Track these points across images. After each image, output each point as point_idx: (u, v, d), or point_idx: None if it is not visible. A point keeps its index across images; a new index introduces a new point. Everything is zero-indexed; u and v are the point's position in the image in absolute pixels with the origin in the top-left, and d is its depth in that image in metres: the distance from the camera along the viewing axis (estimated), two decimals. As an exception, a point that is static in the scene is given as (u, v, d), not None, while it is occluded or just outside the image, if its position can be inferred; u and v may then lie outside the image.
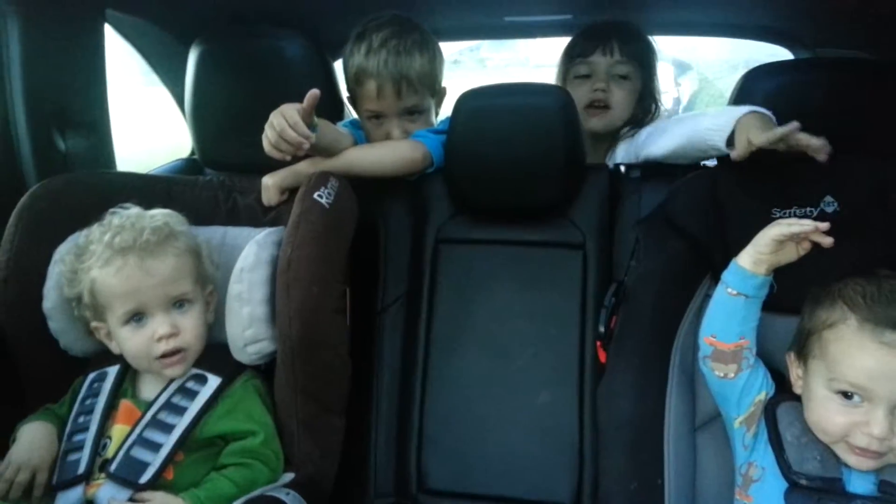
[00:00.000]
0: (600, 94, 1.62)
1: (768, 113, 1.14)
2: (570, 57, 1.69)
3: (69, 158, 1.45)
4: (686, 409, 1.09)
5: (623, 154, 1.54)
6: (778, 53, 1.99)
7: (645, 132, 1.46)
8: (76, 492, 1.04)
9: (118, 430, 1.08)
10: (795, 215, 1.10)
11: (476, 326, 1.37)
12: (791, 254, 0.98)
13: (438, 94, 1.55)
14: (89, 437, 1.08)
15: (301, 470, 1.14)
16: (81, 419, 1.11)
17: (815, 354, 0.95)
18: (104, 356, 1.17)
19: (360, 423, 1.28)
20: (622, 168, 1.41)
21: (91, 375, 1.16)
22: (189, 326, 1.11)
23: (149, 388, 1.13)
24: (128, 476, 1.03)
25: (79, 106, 1.49)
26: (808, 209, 1.10)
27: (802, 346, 0.98)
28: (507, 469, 1.29)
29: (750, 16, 1.85)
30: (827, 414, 0.92)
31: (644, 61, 1.66)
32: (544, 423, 1.30)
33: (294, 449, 1.15)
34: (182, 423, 1.07)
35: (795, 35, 1.89)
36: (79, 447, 1.08)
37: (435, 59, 1.45)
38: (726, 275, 1.01)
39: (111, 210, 1.14)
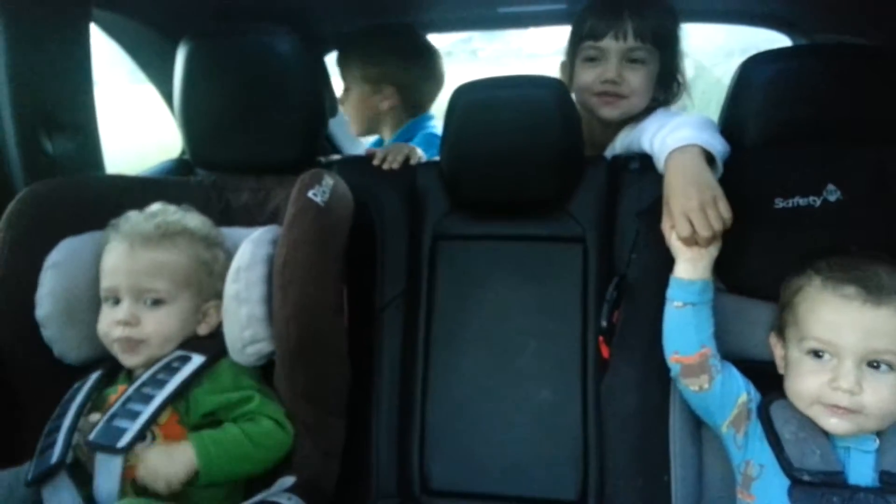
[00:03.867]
0: (610, 86, 1.44)
1: (708, 143, 1.11)
2: (578, 36, 1.48)
3: (57, 161, 1.43)
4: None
5: (620, 144, 1.50)
6: (774, 39, 1.98)
7: (646, 123, 1.38)
8: (61, 481, 1.02)
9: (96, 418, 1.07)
10: (798, 204, 1.10)
11: (476, 323, 1.36)
12: (719, 243, 1.04)
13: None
14: (63, 428, 1.06)
15: (302, 473, 1.12)
16: (58, 419, 1.08)
17: (789, 322, 0.98)
18: (97, 365, 1.15)
19: (360, 423, 1.26)
20: (621, 160, 1.39)
21: (76, 384, 1.14)
22: (151, 322, 1.11)
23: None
24: (105, 441, 1.02)
25: (66, 107, 1.46)
26: (811, 198, 1.10)
27: (779, 321, 1.01)
28: (511, 467, 1.28)
29: (747, 2, 1.83)
30: (800, 377, 0.94)
31: (663, 41, 1.46)
32: (547, 419, 1.29)
33: (295, 452, 1.13)
34: (162, 394, 1.07)
35: (793, 21, 1.87)
36: (53, 442, 1.05)
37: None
38: (669, 291, 1.05)
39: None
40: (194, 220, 1.19)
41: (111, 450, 1.02)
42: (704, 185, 1.04)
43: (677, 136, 1.12)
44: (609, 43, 1.42)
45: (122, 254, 1.12)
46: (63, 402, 1.11)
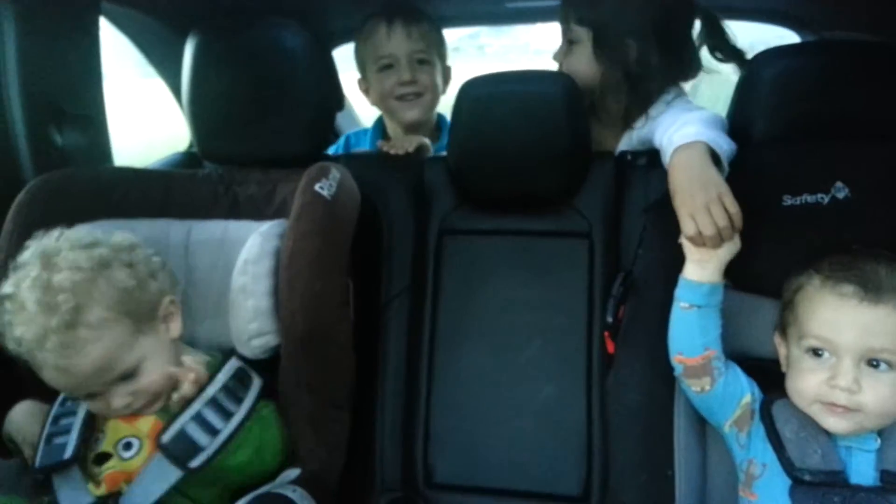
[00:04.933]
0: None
1: (715, 141, 1.09)
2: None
3: (66, 153, 1.44)
4: (695, 400, 1.07)
5: (636, 137, 1.43)
6: (782, 36, 1.97)
7: (663, 116, 1.33)
8: (74, 476, 1.01)
9: (115, 427, 1.05)
10: (806, 202, 1.09)
11: (481, 318, 1.36)
12: (732, 246, 1.02)
13: (443, 60, 1.68)
14: (77, 421, 1.05)
15: (307, 465, 1.12)
16: (69, 403, 1.07)
17: (790, 321, 0.98)
18: None
19: (365, 417, 1.27)
20: (628, 156, 1.39)
21: None
22: (144, 387, 1.01)
23: None
24: (180, 455, 0.97)
25: (75, 100, 1.47)
26: (819, 195, 1.09)
27: (782, 320, 1.01)
28: (514, 462, 1.28)
29: (755, -2, 1.83)
30: (800, 375, 0.94)
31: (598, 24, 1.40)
32: (552, 414, 1.29)
33: (299, 444, 1.13)
34: (239, 413, 1.02)
35: (802, 17, 1.87)
36: (65, 431, 1.04)
37: (436, 27, 1.67)
38: (677, 291, 1.04)
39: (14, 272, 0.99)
40: (68, 269, 0.96)
41: (182, 466, 0.97)
42: (709, 183, 1.02)
43: (683, 133, 1.11)
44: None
45: (56, 374, 0.95)
46: None
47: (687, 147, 1.08)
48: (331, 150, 1.81)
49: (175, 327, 1.07)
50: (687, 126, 1.12)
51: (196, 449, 0.98)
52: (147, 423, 1.04)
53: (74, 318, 0.93)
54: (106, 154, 1.57)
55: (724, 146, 1.10)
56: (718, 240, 1.00)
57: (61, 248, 0.99)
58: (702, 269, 1.02)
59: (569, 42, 1.44)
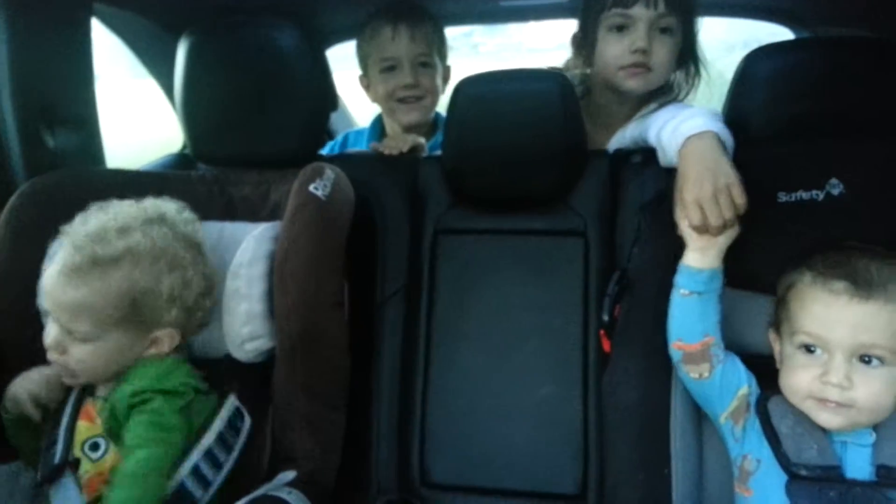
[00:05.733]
0: (640, 57, 1.37)
1: (722, 133, 1.10)
2: (601, 5, 1.39)
3: (58, 155, 1.43)
4: (692, 398, 1.07)
5: (629, 134, 1.42)
6: (776, 32, 1.97)
7: (657, 115, 1.32)
8: (66, 483, 1.01)
9: (80, 428, 1.05)
10: (801, 198, 1.10)
11: (477, 317, 1.35)
12: (732, 232, 1.02)
13: (444, 61, 1.70)
14: (62, 429, 1.05)
15: (302, 467, 1.12)
16: (58, 415, 1.08)
17: (783, 318, 0.98)
18: None
19: (361, 418, 1.26)
20: (623, 153, 1.39)
21: None
22: (77, 355, 1.02)
23: (102, 385, 1.08)
24: None
25: (67, 101, 1.46)
26: (814, 192, 1.10)
27: (776, 317, 1.01)
28: (511, 462, 1.27)
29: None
30: (793, 371, 0.95)
31: (689, 10, 1.40)
32: (548, 414, 1.28)
33: (295, 446, 1.13)
34: (228, 464, 1.05)
35: (795, 14, 1.87)
36: (55, 440, 1.05)
37: (439, 28, 1.68)
38: (676, 278, 1.04)
39: (99, 205, 1.08)
40: (142, 237, 1.03)
41: None
42: (720, 173, 1.03)
43: (692, 124, 1.11)
44: (639, 11, 1.35)
45: (52, 281, 1.01)
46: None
47: (699, 137, 1.09)
48: (328, 148, 1.82)
49: (153, 351, 1.06)
50: (694, 118, 1.12)
51: (190, 498, 0.99)
52: (100, 419, 1.04)
53: (105, 264, 1.00)
54: (98, 156, 1.56)
55: (729, 140, 1.11)
56: (722, 229, 1.01)
57: (172, 222, 1.08)
58: (703, 255, 1.02)
59: (660, 30, 1.38)
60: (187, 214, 1.13)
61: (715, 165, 1.04)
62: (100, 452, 1.03)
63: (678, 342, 1.03)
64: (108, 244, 1.00)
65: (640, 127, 1.33)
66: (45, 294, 1.02)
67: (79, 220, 1.05)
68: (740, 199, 1.01)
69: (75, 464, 1.02)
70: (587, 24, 1.45)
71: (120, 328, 1.02)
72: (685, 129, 1.11)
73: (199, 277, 1.08)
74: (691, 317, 1.02)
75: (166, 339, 1.06)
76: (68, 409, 1.07)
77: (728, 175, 1.02)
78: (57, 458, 1.02)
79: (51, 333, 1.03)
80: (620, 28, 1.39)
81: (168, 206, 1.11)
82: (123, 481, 0.94)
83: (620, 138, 1.43)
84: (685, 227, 1.04)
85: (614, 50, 1.40)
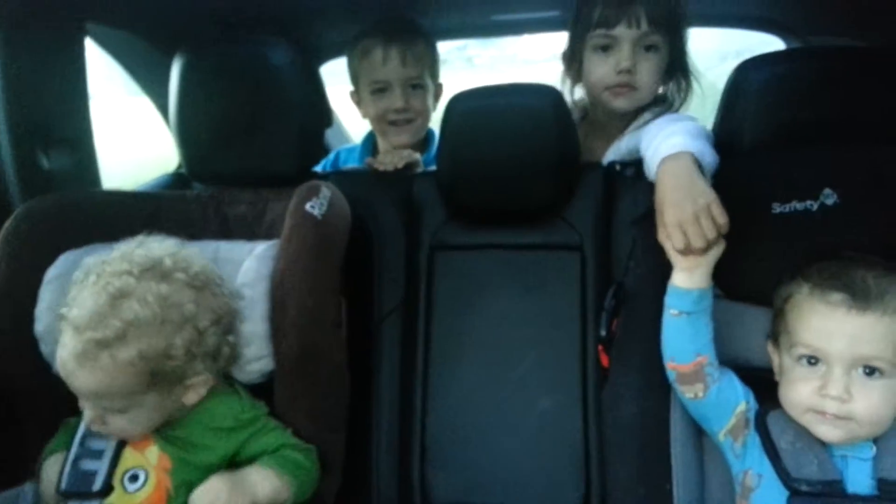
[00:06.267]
0: (625, 77, 1.39)
1: (699, 151, 1.08)
2: (586, 24, 1.40)
3: (53, 177, 1.43)
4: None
5: (625, 146, 1.44)
6: (769, 42, 1.98)
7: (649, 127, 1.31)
8: None
9: (126, 455, 1.03)
10: (796, 209, 1.10)
11: (475, 333, 1.35)
12: (717, 250, 1.01)
13: (435, 79, 1.68)
14: (109, 449, 1.03)
15: (302, 487, 1.12)
16: (92, 436, 1.06)
17: (781, 330, 0.98)
18: None
19: (361, 437, 1.26)
20: (617, 166, 1.39)
21: None
22: (118, 426, 1.00)
23: None
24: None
25: (62, 122, 1.46)
26: (809, 202, 1.09)
27: (774, 329, 1.01)
28: (512, 478, 1.27)
29: (740, 5, 1.84)
30: (792, 384, 0.94)
31: (674, 27, 1.40)
32: (548, 429, 1.28)
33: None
34: None
35: (786, 24, 1.88)
36: (96, 455, 1.04)
37: (432, 46, 1.67)
38: (666, 298, 1.03)
39: (99, 265, 1.01)
40: (147, 303, 0.97)
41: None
42: (698, 194, 1.01)
43: (669, 144, 1.10)
44: (622, 31, 1.37)
45: (67, 368, 0.96)
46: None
47: (674, 158, 1.07)
48: (320, 166, 1.81)
49: (193, 397, 1.04)
50: (672, 137, 1.11)
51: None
52: (154, 454, 1.03)
53: (110, 343, 0.94)
54: (94, 176, 1.56)
55: (708, 158, 1.09)
56: (706, 249, 1.00)
57: (172, 276, 1.01)
58: (690, 276, 1.01)
59: (645, 48, 1.39)
60: (185, 252, 1.06)
61: (691, 186, 1.02)
62: (137, 485, 1.02)
63: (671, 362, 1.03)
64: (106, 325, 0.94)
65: (634, 138, 1.34)
66: (64, 378, 0.98)
67: (73, 292, 1.00)
68: (721, 217, 0.99)
69: (107, 490, 1.01)
70: (574, 43, 1.47)
71: (150, 392, 0.99)
72: (663, 149, 1.10)
73: (212, 319, 1.03)
74: (682, 337, 1.01)
75: (201, 385, 1.03)
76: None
77: (706, 194, 1.00)
78: (97, 485, 1.01)
79: (87, 412, 1.01)
80: (605, 48, 1.40)
81: (161, 250, 1.04)
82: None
83: (616, 150, 1.43)
84: (670, 249, 1.03)
85: (600, 70, 1.42)
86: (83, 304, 0.96)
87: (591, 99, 1.49)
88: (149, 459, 1.03)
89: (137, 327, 0.95)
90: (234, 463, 1.06)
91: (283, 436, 1.09)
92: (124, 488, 1.02)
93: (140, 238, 1.06)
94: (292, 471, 1.05)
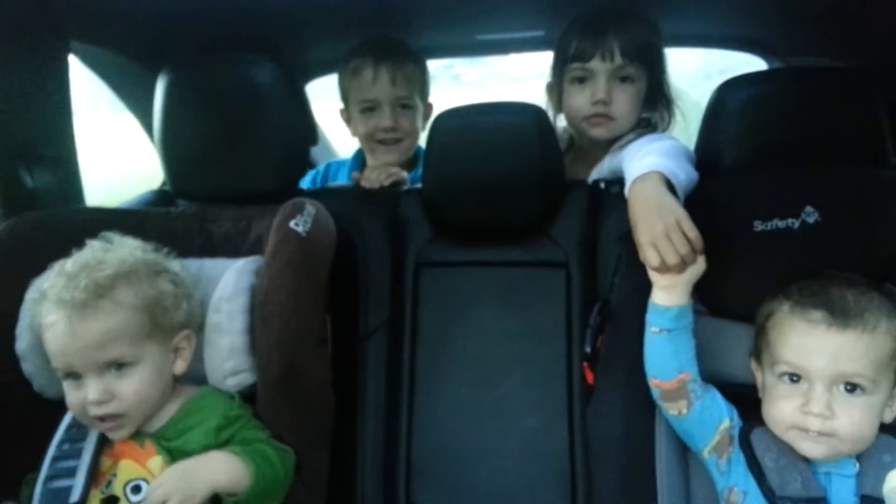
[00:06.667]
0: (601, 108, 1.43)
1: (669, 170, 1.10)
2: (564, 57, 1.46)
3: (36, 195, 1.41)
4: (676, 430, 1.07)
5: (607, 166, 1.44)
6: (751, 61, 2.01)
7: (630, 147, 1.35)
8: None
9: (126, 468, 1.02)
10: (777, 227, 1.11)
11: (461, 351, 1.35)
12: (696, 268, 1.01)
13: (425, 100, 1.71)
14: (83, 464, 1.02)
15: (287, 506, 1.10)
16: (67, 446, 1.05)
17: (763, 348, 0.99)
18: None
19: (345, 454, 1.25)
20: (601, 184, 1.40)
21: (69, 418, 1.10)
22: (127, 391, 1.01)
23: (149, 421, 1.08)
24: None
25: (45, 140, 1.45)
26: (790, 220, 1.10)
27: (756, 346, 1.02)
28: (498, 495, 1.27)
29: (721, 26, 1.86)
30: (775, 402, 0.95)
31: (649, 58, 1.44)
32: (534, 447, 1.28)
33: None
34: None
35: (767, 44, 1.90)
36: (67, 473, 1.02)
37: (422, 66, 1.70)
38: (647, 316, 1.04)
39: (87, 243, 1.08)
40: (121, 255, 1.05)
41: None
42: (666, 211, 1.02)
43: (641, 164, 1.12)
44: (597, 64, 1.41)
45: (64, 331, 0.98)
46: (66, 426, 1.08)
47: (642, 178, 1.10)
48: (310, 176, 1.83)
49: (181, 365, 1.08)
50: (645, 157, 1.13)
51: None
52: (156, 465, 1.02)
53: (105, 287, 0.99)
54: (77, 194, 1.55)
55: (682, 176, 1.11)
56: (682, 265, 1.00)
57: (126, 243, 1.09)
58: (669, 293, 1.02)
59: (620, 79, 1.43)
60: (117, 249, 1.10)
61: (660, 204, 1.04)
62: (141, 496, 1.00)
63: (654, 380, 1.03)
64: (97, 272, 1.00)
65: (616, 158, 1.35)
66: (60, 351, 1.00)
67: (53, 270, 1.04)
68: (691, 232, 1.00)
69: (112, 501, 1.01)
70: (555, 75, 1.52)
71: (151, 341, 1.04)
72: (634, 170, 1.12)
73: (174, 276, 1.10)
74: (664, 355, 1.02)
75: (186, 344, 1.09)
76: (90, 445, 1.04)
77: (675, 212, 1.02)
78: (76, 497, 0.99)
79: (91, 387, 1.00)
80: (582, 80, 1.45)
81: (91, 249, 1.08)
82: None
83: (599, 170, 1.45)
84: (649, 268, 1.04)
85: (577, 101, 1.46)
86: (61, 275, 1.01)
87: (572, 128, 1.54)
88: (151, 470, 1.02)
89: (125, 274, 1.03)
90: None
91: (262, 434, 1.08)
92: (128, 499, 1.01)
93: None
94: (257, 461, 1.02)
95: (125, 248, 1.08)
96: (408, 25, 1.75)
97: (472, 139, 1.33)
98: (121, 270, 1.03)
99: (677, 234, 1.00)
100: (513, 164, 1.31)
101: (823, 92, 1.22)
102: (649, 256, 1.01)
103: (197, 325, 1.12)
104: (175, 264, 1.14)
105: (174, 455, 1.03)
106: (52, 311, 1.00)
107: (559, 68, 1.49)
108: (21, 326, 1.12)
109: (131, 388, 1.02)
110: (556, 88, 1.52)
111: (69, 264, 1.03)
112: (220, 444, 1.05)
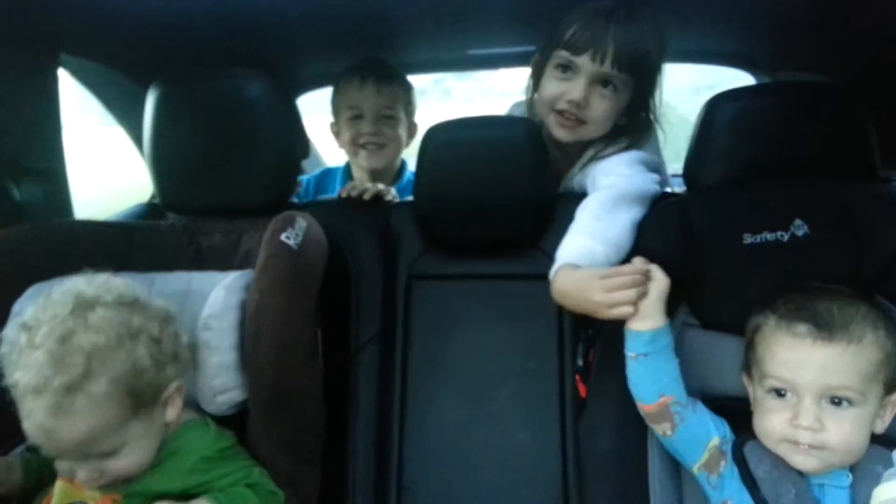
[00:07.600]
0: (574, 108, 1.33)
1: (577, 254, 1.13)
2: (557, 39, 1.34)
3: (24, 208, 1.40)
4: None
5: (577, 182, 1.42)
6: (740, 76, 2.03)
7: (598, 166, 1.34)
8: None
9: (63, 490, 1.00)
10: (766, 240, 1.11)
11: (453, 364, 1.35)
12: (658, 285, 1.01)
13: (410, 117, 1.80)
14: None
15: (277, 523, 1.09)
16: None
17: (752, 362, 0.99)
18: None
19: (336, 469, 1.24)
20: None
21: None
22: (118, 468, 0.95)
23: None
24: None
25: (33, 153, 1.44)
26: (779, 233, 1.11)
27: (746, 360, 1.02)
28: (491, 509, 1.26)
29: (709, 42, 1.88)
30: (766, 415, 0.95)
31: (641, 71, 1.33)
32: (526, 460, 1.27)
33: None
34: None
35: (755, 60, 1.92)
36: None
37: (408, 88, 1.81)
38: (625, 341, 1.03)
39: (20, 328, 0.92)
40: (94, 322, 0.92)
41: None
42: (589, 289, 1.03)
43: (560, 252, 1.16)
44: (584, 61, 1.30)
45: (40, 428, 0.88)
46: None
47: (553, 281, 1.13)
48: (305, 181, 1.90)
49: (173, 412, 1.01)
50: (568, 237, 1.17)
51: None
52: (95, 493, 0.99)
53: (79, 383, 0.88)
54: (66, 207, 1.53)
55: (599, 248, 1.12)
56: (642, 296, 1.00)
57: (99, 300, 0.95)
58: (643, 319, 1.01)
59: (602, 84, 1.32)
60: (100, 278, 1.00)
61: (578, 290, 1.06)
62: None
63: (638, 402, 1.02)
64: (67, 367, 0.88)
65: (584, 177, 1.38)
66: (43, 444, 0.91)
67: (6, 366, 0.91)
68: (621, 276, 1.01)
69: None
70: (543, 54, 1.41)
71: (135, 420, 0.95)
72: (558, 255, 1.16)
73: (160, 325, 0.99)
74: (643, 379, 1.01)
75: (176, 394, 1.01)
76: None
77: (591, 281, 1.03)
78: None
79: (80, 471, 0.94)
80: (565, 69, 1.34)
81: (74, 285, 0.98)
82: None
83: (566, 185, 1.45)
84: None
85: (553, 90, 1.36)
86: (30, 366, 0.88)
87: (540, 113, 1.43)
88: (93, 496, 0.98)
89: (99, 357, 0.90)
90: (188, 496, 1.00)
91: (245, 474, 1.03)
92: None
93: (44, 294, 0.97)
94: None
95: (100, 314, 0.93)
96: (398, 39, 1.77)
97: (463, 153, 1.33)
98: (94, 351, 0.90)
99: (619, 293, 1.00)
100: (504, 178, 1.31)
101: (811, 106, 1.23)
102: (620, 314, 1.01)
103: (186, 365, 1.04)
104: (158, 301, 1.03)
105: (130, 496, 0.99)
106: (26, 396, 0.88)
107: (548, 50, 1.38)
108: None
109: (122, 465, 0.96)
110: (540, 68, 1.41)
111: (42, 343, 0.89)
112: (194, 486, 1.01)
